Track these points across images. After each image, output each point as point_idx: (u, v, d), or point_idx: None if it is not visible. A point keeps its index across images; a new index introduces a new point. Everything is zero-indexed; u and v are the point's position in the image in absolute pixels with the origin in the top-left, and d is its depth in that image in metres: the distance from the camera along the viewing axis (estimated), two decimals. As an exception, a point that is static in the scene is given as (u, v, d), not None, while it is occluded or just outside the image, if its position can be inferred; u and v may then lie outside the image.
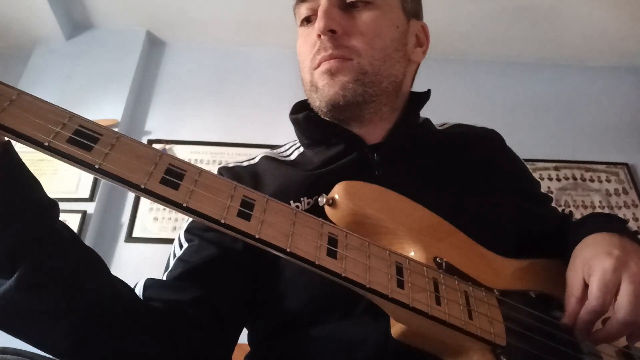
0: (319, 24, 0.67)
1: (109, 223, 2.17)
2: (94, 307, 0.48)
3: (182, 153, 2.37)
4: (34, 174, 0.45)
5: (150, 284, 0.62)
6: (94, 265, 0.50)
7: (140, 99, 2.53)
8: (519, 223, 0.74)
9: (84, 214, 2.08)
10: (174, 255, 0.67)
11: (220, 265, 0.64)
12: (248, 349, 0.73)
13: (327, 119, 0.74)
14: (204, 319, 0.60)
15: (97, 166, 0.41)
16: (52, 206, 0.46)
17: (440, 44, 2.80)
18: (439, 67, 2.63)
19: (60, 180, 2.13)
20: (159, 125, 2.47)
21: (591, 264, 0.57)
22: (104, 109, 2.33)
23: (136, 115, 2.48)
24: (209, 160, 2.36)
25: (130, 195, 2.24)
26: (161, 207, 2.19)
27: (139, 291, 0.61)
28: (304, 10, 0.74)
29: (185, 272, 0.63)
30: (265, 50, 2.68)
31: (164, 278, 0.64)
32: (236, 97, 2.56)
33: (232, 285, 0.65)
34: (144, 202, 2.22)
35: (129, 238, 2.14)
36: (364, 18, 0.70)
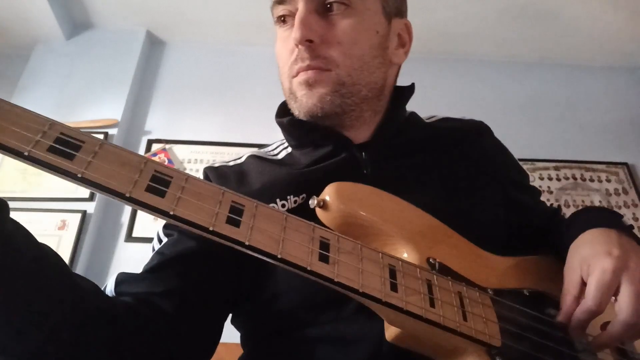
0: (295, 33, 0.66)
1: (109, 223, 2.18)
2: (55, 306, 0.46)
3: (182, 153, 2.37)
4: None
5: (122, 278, 0.61)
6: (51, 264, 0.48)
7: (140, 99, 2.53)
8: (509, 216, 0.74)
9: (84, 214, 2.08)
10: (153, 250, 0.67)
11: (197, 258, 0.63)
12: (240, 350, 0.72)
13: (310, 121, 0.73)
14: (176, 311, 0.59)
15: (79, 175, 0.40)
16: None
17: (440, 44, 2.80)
18: (439, 67, 2.63)
19: (60, 180, 2.11)
20: (158, 125, 2.47)
21: (590, 262, 0.56)
22: (104, 109, 2.34)
23: (136, 115, 2.48)
24: (209, 160, 2.35)
25: (130, 195, 2.24)
26: (161, 207, 2.19)
27: (110, 287, 0.60)
28: (280, 11, 0.73)
29: (160, 263, 0.63)
30: (265, 50, 2.66)
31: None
32: (236, 97, 2.55)
33: (208, 278, 0.64)
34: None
35: (129, 238, 2.14)
36: (341, 26, 0.68)
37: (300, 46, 0.67)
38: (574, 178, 2.53)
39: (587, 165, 2.56)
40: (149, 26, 2.66)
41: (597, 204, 2.45)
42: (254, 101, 2.52)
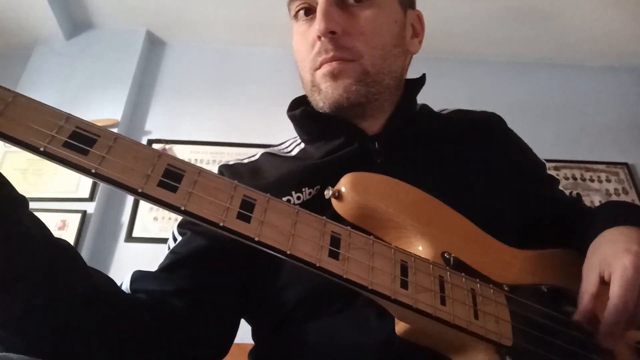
0: (319, 25, 0.66)
1: (109, 223, 2.17)
2: (72, 303, 0.47)
3: (182, 153, 2.36)
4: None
5: (137, 276, 0.62)
6: (68, 262, 0.48)
7: (140, 99, 2.53)
8: (526, 209, 0.73)
9: (84, 214, 2.08)
10: (168, 248, 0.67)
11: (208, 256, 0.64)
12: (249, 349, 0.72)
13: (326, 112, 0.73)
14: (188, 309, 0.59)
15: (93, 171, 0.40)
16: (18, 204, 0.43)
17: (440, 44, 2.80)
18: (439, 67, 2.62)
19: (60, 180, 2.12)
20: (159, 125, 2.46)
21: (610, 261, 0.55)
22: (104, 109, 2.33)
23: (136, 115, 2.48)
24: (209, 160, 2.35)
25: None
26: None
27: (126, 284, 0.61)
28: (298, 5, 0.72)
29: (173, 263, 0.63)
30: (265, 50, 2.67)
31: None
32: (236, 97, 2.55)
33: (219, 276, 0.64)
34: (144, 202, 2.21)
35: (129, 238, 2.14)
36: (363, 16, 0.69)
37: (323, 38, 0.67)
38: (574, 178, 2.53)
39: (587, 165, 2.57)
40: (149, 26, 2.66)
41: (597, 204, 2.44)
42: (254, 101, 2.52)
